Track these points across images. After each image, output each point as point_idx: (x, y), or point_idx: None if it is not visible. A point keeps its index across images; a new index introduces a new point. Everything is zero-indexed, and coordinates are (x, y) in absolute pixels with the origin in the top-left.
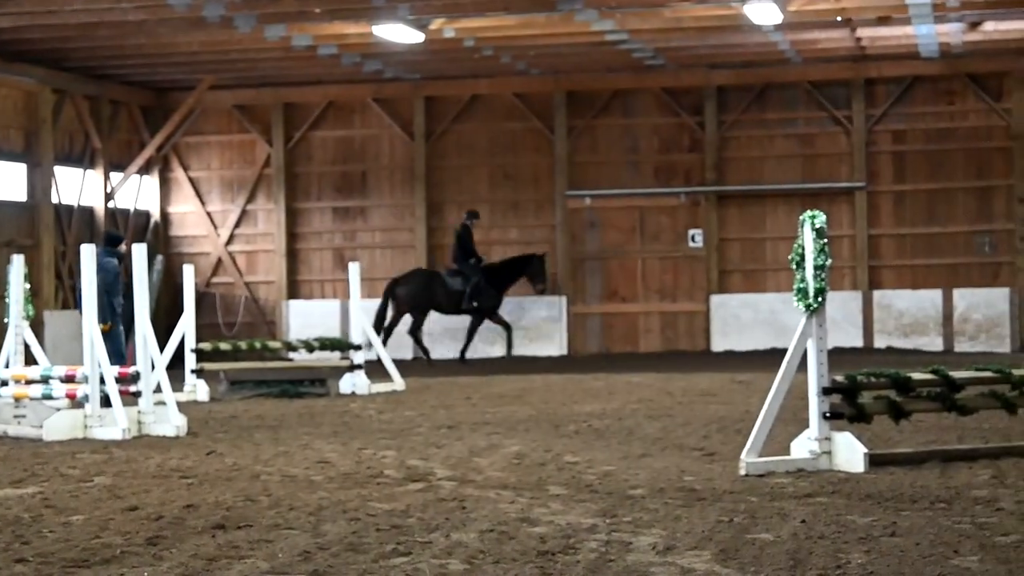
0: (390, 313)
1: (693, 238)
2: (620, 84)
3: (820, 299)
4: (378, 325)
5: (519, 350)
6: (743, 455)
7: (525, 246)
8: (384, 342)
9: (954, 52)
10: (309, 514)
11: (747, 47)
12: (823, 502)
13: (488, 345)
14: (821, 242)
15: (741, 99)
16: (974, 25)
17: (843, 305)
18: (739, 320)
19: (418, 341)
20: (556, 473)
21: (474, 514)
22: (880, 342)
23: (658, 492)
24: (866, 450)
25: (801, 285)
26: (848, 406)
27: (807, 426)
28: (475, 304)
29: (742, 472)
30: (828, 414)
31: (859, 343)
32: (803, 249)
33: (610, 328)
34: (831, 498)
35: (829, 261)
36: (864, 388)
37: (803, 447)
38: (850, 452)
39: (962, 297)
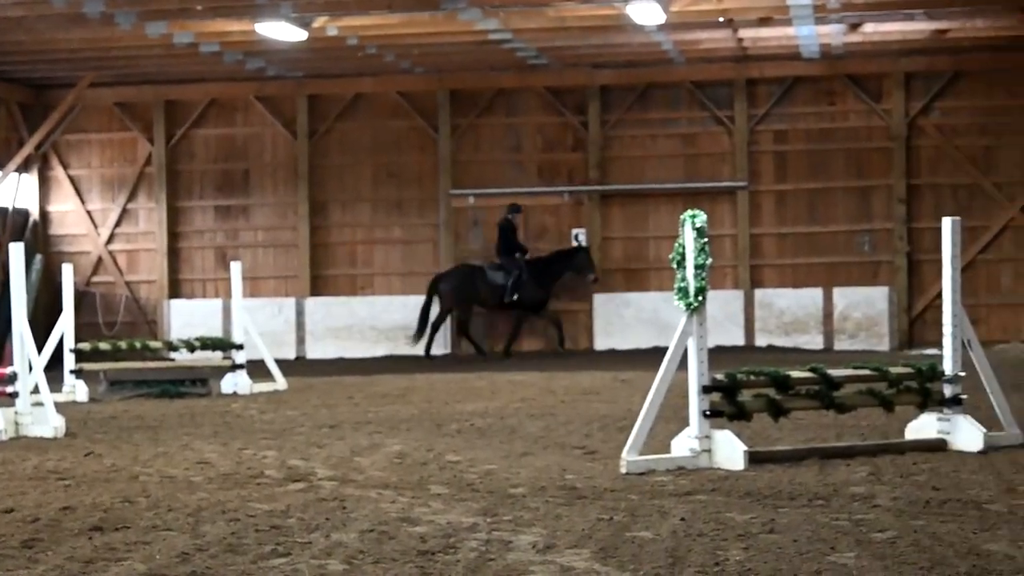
0: (435, 310)
1: (576, 237)
2: (504, 83)
3: (701, 298)
4: (422, 321)
5: (401, 349)
6: (624, 453)
7: (408, 245)
8: (431, 338)
9: (835, 53)
10: (188, 515)
11: (630, 47)
12: (703, 500)
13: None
14: (702, 241)
15: (624, 99)
16: (854, 26)
17: (725, 304)
18: (622, 319)
19: (468, 337)
20: (438, 472)
21: (355, 514)
22: (761, 340)
23: (539, 491)
24: (746, 448)
25: (682, 284)
26: (728, 404)
27: (688, 424)
28: (516, 298)
29: (623, 470)
30: (708, 412)
31: (741, 342)
32: (684, 248)
33: (493, 327)
34: (711, 496)
35: (709, 260)
36: (744, 386)
37: (683, 445)
38: (730, 450)
39: (842, 296)
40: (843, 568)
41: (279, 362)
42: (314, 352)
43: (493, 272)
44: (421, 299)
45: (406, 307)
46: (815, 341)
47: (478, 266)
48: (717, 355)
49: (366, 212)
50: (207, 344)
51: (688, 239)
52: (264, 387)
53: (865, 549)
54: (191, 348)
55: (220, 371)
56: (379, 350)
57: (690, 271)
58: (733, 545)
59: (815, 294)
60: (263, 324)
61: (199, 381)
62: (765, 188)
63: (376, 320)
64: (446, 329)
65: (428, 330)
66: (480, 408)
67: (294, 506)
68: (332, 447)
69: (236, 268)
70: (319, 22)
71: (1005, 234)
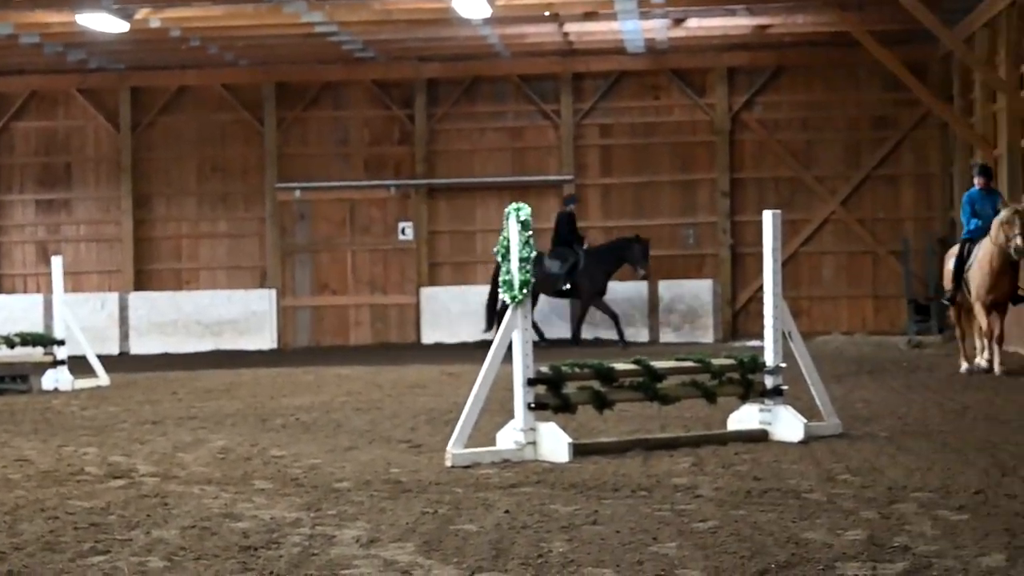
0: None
1: (403, 231)
2: (330, 76)
3: (525, 291)
4: (491, 308)
5: (226, 344)
6: (449, 446)
7: (233, 239)
8: (498, 325)
9: (659, 48)
10: (5, 513)
11: (456, 40)
12: (527, 492)
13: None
14: (526, 234)
15: (451, 92)
16: (678, 22)
17: (551, 298)
18: (449, 312)
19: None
20: (262, 467)
21: (176, 510)
22: (588, 333)
23: (364, 485)
24: (570, 440)
25: (507, 277)
26: (553, 396)
27: (513, 417)
28: (569, 286)
29: (448, 463)
30: (533, 405)
31: (567, 335)
32: (508, 241)
33: (320, 321)
34: (535, 488)
35: (534, 253)
36: (568, 379)
37: (508, 438)
38: (554, 442)
39: (667, 288)
40: (665, 558)
41: (102, 358)
42: (138, 348)
43: (550, 260)
44: (247, 293)
45: (231, 301)
46: (641, 334)
47: (538, 253)
48: (545, 348)
49: (191, 206)
50: (27, 340)
51: (513, 232)
52: (86, 383)
53: (687, 539)
54: (11, 344)
55: (41, 367)
56: (205, 345)
57: (515, 264)
58: (557, 537)
59: (640, 287)
60: (86, 319)
61: (19, 378)
62: (591, 182)
63: (202, 315)
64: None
65: (497, 318)
66: (306, 402)
67: (114, 503)
68: (154, 443)
69: (57, 263)
70: (141, 13)
71: (826, 227)
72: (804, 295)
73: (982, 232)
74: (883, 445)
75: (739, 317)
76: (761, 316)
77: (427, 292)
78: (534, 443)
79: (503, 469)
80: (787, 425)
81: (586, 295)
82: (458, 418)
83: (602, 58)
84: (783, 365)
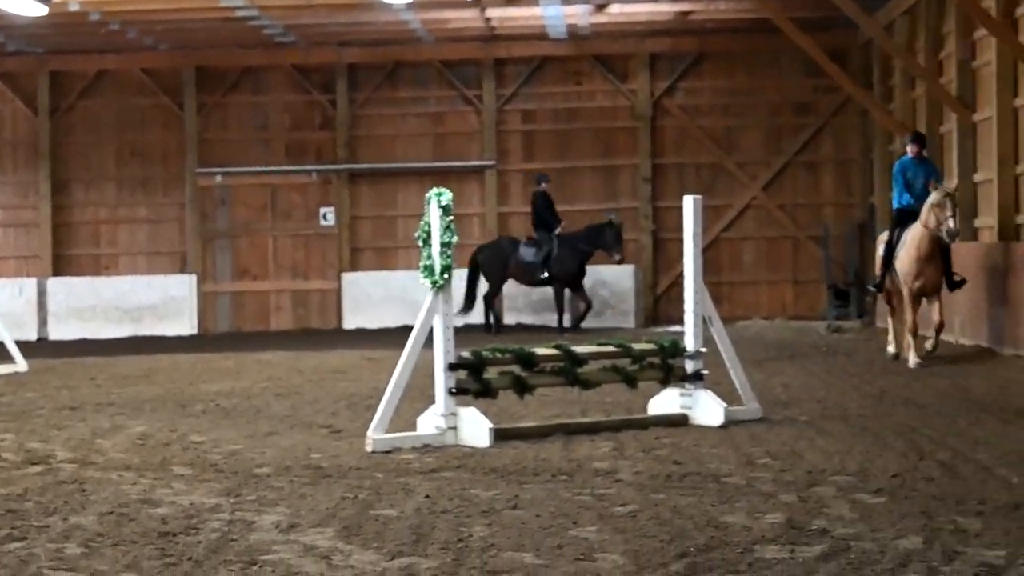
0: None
1: (324, 216)
2: (250, 60)
3: (446, 275)
4: (469, 293)
5: (146, 330)
6: (369, 432)
7: (153, 225)
8: (486, 312)
9: (581, 34)
10: None
11: (378, 25)
12: (448, 477)
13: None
14: (447, 219)
15: (373, 77)
16: (600, 7)
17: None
18: (371, 298)
19: (489, 307)
20: (181, 453)
21: (94, 496)
22: (510, 319)
23: (284, 470)
24: (491, 425)
25: (428, 262)
26: (474, 381)
27: (434, 402)
28: (547, 275)
29: (369, 449)
30: (454, 390)
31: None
32: (429, 226)
33: (241, 307)
34: (456, 473)
35: (455, 238)
36: (489, 364)
37: (429, 423)
38: (475, 427)
39: (589, 274)
40: (585, 542)
41: (20, 344)
42: (57, 333)
43: (526, 248)
44: (166, 278)
45: (151, 287)
46: (551, 319)
47: (516, 240)
48: (464, 333)
49: (110, 191)
50: None
51: (434, 217)
52: (3, 369)
53: (607, 523)
54: None
55: None
56: (124, 331)
57: (436, 249)
58: (477, 521)
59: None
60: (3, 305)
61: None
62: (513, 167)
63: (121, 300)
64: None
65: (485, 307)
66: (226, 388)
67: (32, 489)
68: (72, 429)
69: None
70: None
71: (747, 213)
72: (725, 280)
73: (911, 215)
74: (802, 429)
75: (660, 302)
76: (682, 301)
77: (349, 277)
78: (455, 428)
79: (424, 454)
80: (707, 409)
81: (559, 284)
82: (379, 403)
83: (524, 44)
84: (703, 350)
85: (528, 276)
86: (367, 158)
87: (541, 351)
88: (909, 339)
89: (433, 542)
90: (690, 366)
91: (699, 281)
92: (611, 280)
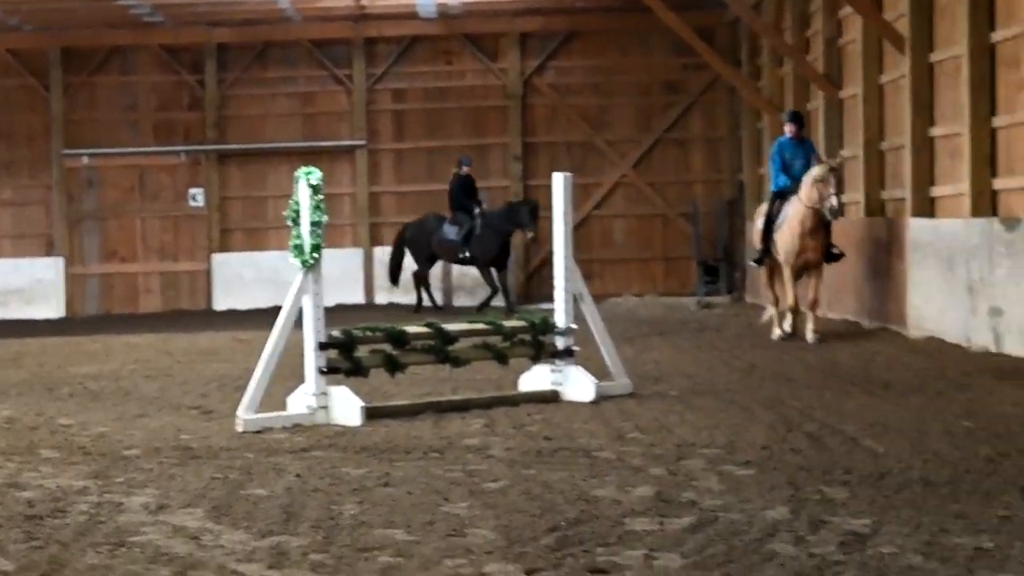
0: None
1: (194, 197)
2: (118, 41)
3: (316, 255)
4: (394, 268)
5: (13, 313)
6: (240, 412)
7: (19, 207)
8: (417, 291)
9: (451, 13)
10: None
11: (247, 5)
12: (319, 456)
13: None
14: (317, 198)
15: (242, 57)
16: None
17: (344, 262)
18: (241, 279)
19: (418, 286)
20: (48, 436)
21: None
22: (382, 298)
23: (153, 452)
24: (362, 403)
25: (297, 242)
26: (344, 360)
27: (305, 382)
28: (467, 254)
29: (239, 429)
30: (324, 369)
31: (361, 300)
32: (299, 205)
33: (109, 289)
34: (327, 452)
35: (325, 217)
36: (360, 342)
37: (300, 402)
38: (346, 406)
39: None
40: (456, 518)
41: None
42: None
43: (449, 226)
44: (33, 261)
45: (17, 270)
46: (435, 297)
47: (442, 218)
48: (338, 313)
49: None
50: None
51: (303, 196)
52: None
53: (478, 499)
54: None
55: None
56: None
57: (305, 228)
58: (348, 499)
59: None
60: None
61: None
62: (384, 147)
63: None
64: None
65: (415, 285)
66: (94, 371)
67: None
68: None
69: None
70: None
71: (618, 191)
72: (596, 258)
73: (791, 191)
74: (672, 404)
75: (532, 280)
76: (553, 279)
77: (219, 258)
78: (326, 407)
79: (294, 434)
80: (578, 386)
81: (481, 262)
82: (249, 384)
83: (394, 23)
84: (574, 327)
85: (451, 255)
86: (237, 138)
87: (412, 329)
88: (789, 315)
89: (304, 520)
90: (560, 343)
91: (570, 258)
92: None
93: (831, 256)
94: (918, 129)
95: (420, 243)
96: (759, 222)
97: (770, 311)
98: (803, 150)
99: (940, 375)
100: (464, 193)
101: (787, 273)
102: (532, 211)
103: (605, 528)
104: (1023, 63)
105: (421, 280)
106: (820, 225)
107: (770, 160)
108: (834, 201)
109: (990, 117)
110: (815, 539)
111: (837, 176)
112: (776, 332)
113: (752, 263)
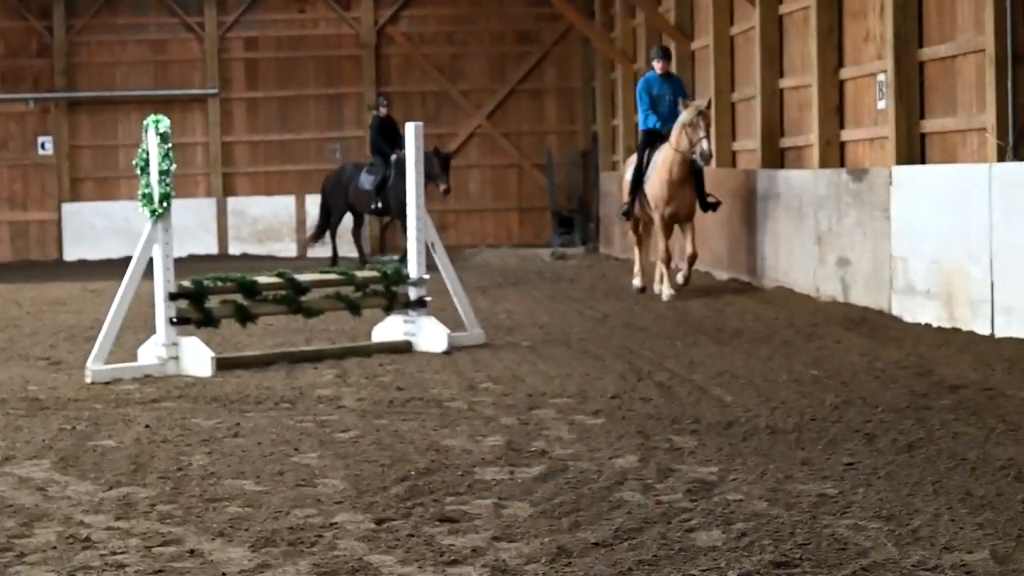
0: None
1: (43, 145)
2: None
3: (166, 204)
4: (321, 222)
5: None
6: (88, 363)
7: None
8: (318, 237)
9: None
10: None
11: None
12: (169, 407)
13: None
14: (165, 147)
15: (91, 4)
16: None
17: (197, 212)
18: (93, 229)
19: (332, 238)
20: None
21: None
22: (235, 249)
23: (0, 403)
24: (213, 354)
25: (146, 191)
26: (195, 311)
27: (155, 333)
28: (379, 205)
29: (88, 380)
30: (175, 320)
31: (214, 250)
32: (148, 155)
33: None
34: (177, 403)
35: (174, 166)
36: (211, 293)
37: (151, 353)
38: (197, 357)
39: (314, 203)
40: (306, 468)
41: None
42: None
43: (365, 176)
44: None
45: None
46: (289, 249)
47: (360, 166)
48: (190, 264)
49: None
50: None
51: (152, 145)
52: None
53: (328, 449)
54: None
55: None
56: None
57: (154, 177)
58: (197, 450)
59: (288, 202)
60: None
61: None
62: (236, 96)
63: None
64: None
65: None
66: None
67: None
68: None
69: None
70: None
71: (473, 141)
72: (451, 208)
73: (660, 138)
74: (525, 354)
75: (387, 231)
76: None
77: (69, 208)
78: (176, 358)
79: (144, 384)
80: (431, 336)
81: (394, 215)
82: (99, 335)
83: None
84: (426, 277)
85: (365, 205)
86: (86, 86)
87: (263, 279)
88: (662, 269)
89: (152, 471)
90: (413, 293)
91: (422, 208)
92: None
93: (706, 205)
94: (767, 81)
95: (336, 194)
96: (628, 172)
97: (637, 271)
98: (671, 86)
99: (789, 325)
100: (381, 136)
101: (658, 222)
102: (443, 162)
103: (455, 478)
104: (869, 15)
105: (332, 231)
106: (690, 173)
107: (637, 98)
108: (705, 146)
109: (838, 69)
110: (663, 487)
111: (706, 119)
112: (636, 283)
113: (620, 215)
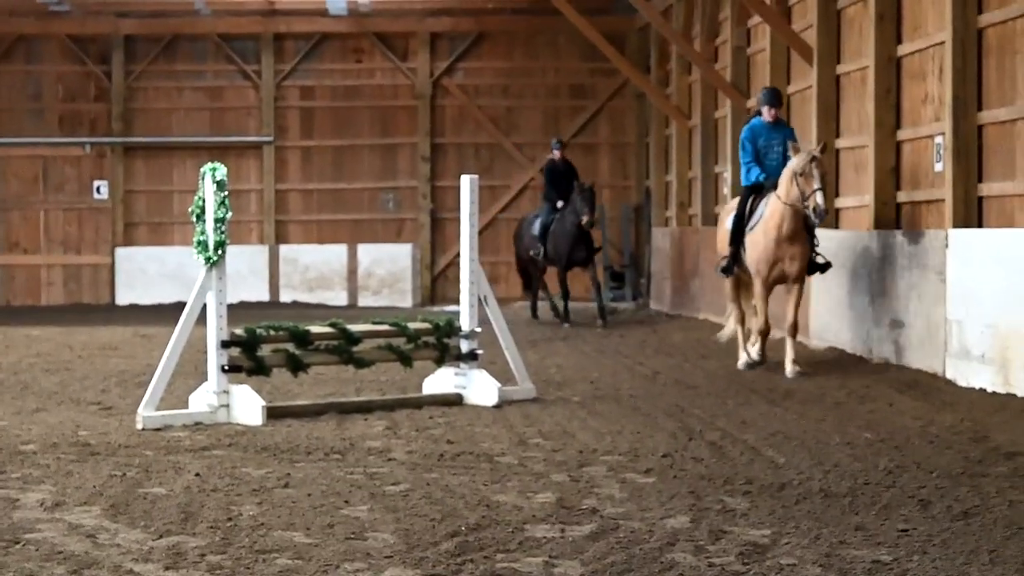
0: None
1: (98, 189)
2: (24, 29)
3: (220, 252)
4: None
5: None
6: (140, 409)
7: None
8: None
9: (362, 11)
10: None
11: None
12: (219, 455)
13: None
14: (221, 195)
15: (150, 49)
16: None
17: (250, 259)
18: (145, 273)
19: (531, 297)
20: None
21: None
22: (286, 296)
23: (51, 447)
24: (264, 403)
25: (201, 238)
26: (247, 359)
27: (207, 379)
28: (541, 252)
29: (139, 426)
30: (227, 367)
31: (266, 297)
32: (204, 201)
33: (11, 280)
34: (227, 451)
35: (229, 214)
36: (263, 341)
37: (202, 400)
38: (248, 405)
39: (366, 252)
40: (356, 521)
41: None
42: None
43: (533, 221)
44: None
45: None
46: (339, 297)
47: (538, 214)
48: (242, 311)
49: None
50: None
51: (208, 192)
52: None
53: (379, 502)
54: None
55: None
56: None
57: (210, 225)
58: (247, 500)
59: (340, 250)
60: None
61: None
62: (291, 144)
63: None
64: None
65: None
66: None
67: None
68: None
69: None
70: None
71: (525, 194)
72: (503, 260)
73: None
74: (575, 409)
75: (438, 282)
76: (459, 281)
77: (122, 252)
78: (227, 406)
79: (195, 432)
80: (481, 389)
81: (569, 263)
82: (151, 380)
83: (304, 19)
84: (478, 330)
85: (527, 252)
86: (143, 131)
87: (316, 329)
88: (763, 339)
89: (202, 520)
90: (465, 346)
91: (475, 261)
92: (388, 259)
93: (814, 266)
94: (824, 140)
95: (517, 240)
96: (728, 222)
97: (731, 328)
98: (780, 136)
99: (841, 386)
100: (552, 181)
101: (759, 286)
102: (584, 197)
103: (505, 534)
104: (928, 77)
105: (527, 285)
106: (802, 228)
107: (739, 148)
108: (820, 199)
109: (895, 130)
110: (715, 549)
111: (820, 167)
112: (743, 358)
113: (719, 271)
